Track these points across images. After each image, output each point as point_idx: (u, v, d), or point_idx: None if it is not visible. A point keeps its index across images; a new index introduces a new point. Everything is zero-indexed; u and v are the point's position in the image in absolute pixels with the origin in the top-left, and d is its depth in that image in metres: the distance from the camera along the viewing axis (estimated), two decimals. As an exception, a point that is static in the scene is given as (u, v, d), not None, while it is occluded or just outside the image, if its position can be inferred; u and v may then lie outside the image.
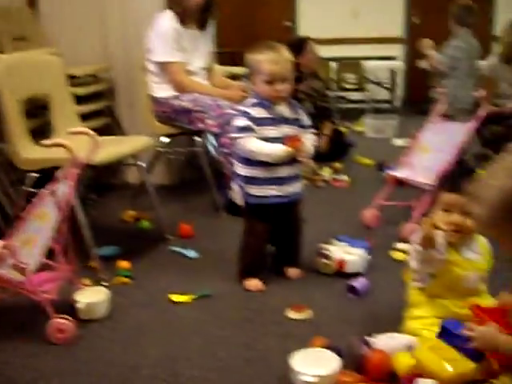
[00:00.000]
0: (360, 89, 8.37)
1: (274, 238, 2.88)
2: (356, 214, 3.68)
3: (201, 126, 3.84)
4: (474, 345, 1.79)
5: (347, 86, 8.33)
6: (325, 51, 8.05)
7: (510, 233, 1.45)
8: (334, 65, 8.33)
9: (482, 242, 2.22)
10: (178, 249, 3.28)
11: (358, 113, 7.69)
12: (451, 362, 1.87)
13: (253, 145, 2.62)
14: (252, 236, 2.80)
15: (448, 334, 1.94)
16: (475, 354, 1.85)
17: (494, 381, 1.82)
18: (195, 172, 4.37)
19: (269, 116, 2.65)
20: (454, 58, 4.97)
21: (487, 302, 2.18)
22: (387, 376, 2.02)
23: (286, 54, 2.67)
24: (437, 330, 2.07)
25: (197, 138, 3.97)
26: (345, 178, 4.75)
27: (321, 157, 5.12)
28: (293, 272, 2.90)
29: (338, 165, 5.12)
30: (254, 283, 2.78)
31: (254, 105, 2.68)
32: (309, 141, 2.73)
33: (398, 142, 6.04)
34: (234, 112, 3.35)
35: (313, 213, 3.87)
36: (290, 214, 2.84)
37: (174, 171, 4.68)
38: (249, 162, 2.69)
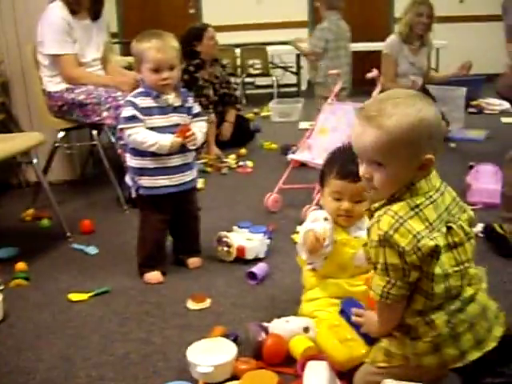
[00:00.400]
0: (266, 74, 8.37)
1: (172, 228, 2.83)
2: (259, 200, 3.67)
3: (96, 118, 3.74)
4: (362, 330, 1.79)
5: (253, 72, 8.31)
6: (230, 38, 8.07)
7: (400, 158, 1.48)
8: (238, 51, 8.29)
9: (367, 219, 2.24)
10: (78, 246, 3.19)
11: (265, 98, 7.72)
12: (346, 344, 1.87)
13: (140, 135, 2.56)
14: (147, 228, 2.74)
15: (346, 314, 1.95)
16: (369, 337, 1.84)
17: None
18: (98, 166, 4.27)
19: (156, 105, 2.60)
20: (324, 40, 5.21)
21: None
22: (284, 360, 2.02)
23: (171, 41, 2.62)
24: (332, 310, 2.09)
25: (94, 132, 3.87)
26: (249, 163, 4.74)
27: (225, 143, 5.13)
28: (193, 261, 2.87)
29: (242, 151, 5.12)
30: (153, 276, 2.73)
31: (139, 94, 2.62)
32: (199, 129, 2.69)
33: (304, 125, 6.08)
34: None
35: (216, 200, 3.88)
36: (185, 203, 2.80)
37: (76, 166, 4.56)
38: (138, 152, 2.62)
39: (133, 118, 2.57)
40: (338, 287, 2.13)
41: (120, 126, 2.64)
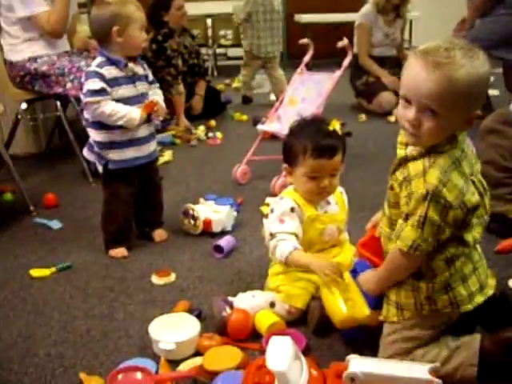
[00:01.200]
0: (238, 45, 8.23)
1: (137, 201, 2.74)
2: (228, 172, 3.61)
3: (59, 90, 3.62)
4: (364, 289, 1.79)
5: (224, 43, 8.18)
6: (201, 8, 7.92)
7: (456, 110, 1.48)
8: (210, 21, 8.15)
9: (337, 194, 2.19)
10: (41, 220, 3.10)
11: (237, 69, 7.59)
12: (348, 303, 1.81)
13: (108, 108, 2.45)
14: (117, 203, 2.65)
15: (356, 274, 1.88)
16: (372, 300, 1.82)
17: None
18: (64, 139, 4.17)
19: (122, 75, 2.50)
20: (245, 12, 5.54)
21: (349, 251, 2.17)
22: (249, 335, 1.97)
23: (136, 3, 2.54)
24: (299, 285, 2.05)
25: (58, 103, 3.76)
26: (219, 135, 4.67)
27: (195, 115, 5.05)
28: (159, 234, 2.81)
29: (212, 122, 5.04)
30: (119, 251, 2.66)
31: (105, 64, 2.49)
32: (159, 98, 2.63)
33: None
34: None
35: (183, 172, 3.82)
36: (150, 174, 2.73)
37: (41, 139, 4.45)
38: (105, 126, 2.52)
39: (101, 91, 2.45)
40: (305, 261, 2.08)
41: (87, 100, 2.48)
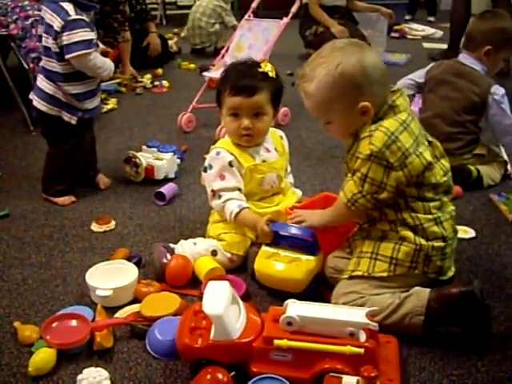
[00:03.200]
0: (188, -7, 8.06)
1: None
2: (173, 120, 3.54)
3: (2, 30, 3.47)
4: (306, 224, 1.82)
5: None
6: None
7: (338, 113, 1.67)
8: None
9: (276, 139, 2.16)
10: (-21, 169, 3.00)
11: (186, 19, 7.42)
12: (293, 264, 1.83)
13: (99, 61, 2.41)
14: (81, 152, 2.59)
15: (278, 237, 1.87)
16: (311, 246, 1.83)
17: None
18: (2, 86, 4.00)
19: (89, 19, 2.39)
20: None
21: (292, 198, 2.16)
22: (188, 282, 1.95)
23: None
24: (239, 232, 2.03)
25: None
26: (165, 83, 4.57)
27: (143, 63, 4.92)
28: (103, 181, 2.75)
29: (159, 70, 4.93)
30: (67, 198, 2.59)
31: (80, 11, 2.35)
32: None
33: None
34: (39, 13, 2.95)
35: (128, 120, 3.74)
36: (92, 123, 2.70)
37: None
38: (82, 77, 2.43)
39: (92, 41, 2.37)
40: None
41: (83, 52, 2.33)
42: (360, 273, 1.70)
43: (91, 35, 2.35)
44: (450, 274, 1.76)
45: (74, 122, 2.48)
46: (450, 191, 1.77)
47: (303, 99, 1.71)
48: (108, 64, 2.45)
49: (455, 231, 1.76)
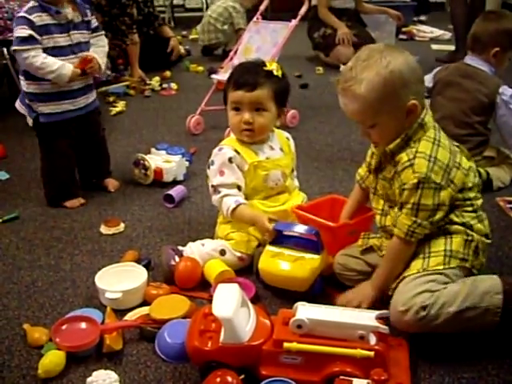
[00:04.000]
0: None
1: (80, 154, 2.65)
2: (181, 122, 3.55)
3: (9, 35, 3.47)
4: (366, 304, 1.72)
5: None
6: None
7: (387, 113, 1.63)
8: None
9: (282, 139, 2.17)
10: (-12, 171, 3.01)
11: (195, 21, 7.43)
12: (298, 262, 1.84)
13: (38, 60, 2.32)
14: (56, 157, 2.56)
15: (282, 236, 1.89)
16: (315, 244, 1.84)
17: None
18: (12, 87, 4.01)
19: (55, 22, 2.36)
20: None
21: (298, 197, 2.17)
22: (198, 284, 1.95)
23: None
24: (248, 231, 2.04)
25: (4, 49, 3.62)
26: (174, 86, 4.58)
27: (151, 66, 4.93)
28: (112, 183, 2.75)
29: (167, 73, 4.94)
30: (75, 201, 2.60)
31: (34, 10, 2.34)
32: (101, 50, 2.52)
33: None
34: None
35: (137, 123, 3.75)
36: (90, 126, 2.63)
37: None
38: (36, 76, 2.40)
39: (29, 39, 2.31)
40: (253, 208, 2.05)
41: (15, 47, 2.35)
42: (414, 271, 1.66)
43: (26, 32, 2.30)
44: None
45: (30, 123, 2.50)
46: (480, 191, 1.79)
47: (346, 104, 1.67)
48: (54, 68, 2.34)
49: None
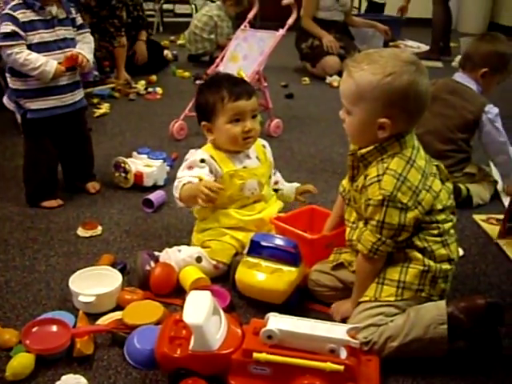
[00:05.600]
0: (186, 1, 8.05)
1: (64, 153, 2.64)
2: (165, 127, 3.54)
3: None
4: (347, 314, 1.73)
5: (173, -2, 7.99)
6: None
7: (361, 111, 1.61)
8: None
9: (258, 147, 2.17)
10: (-34, 170, 2.98)
11: (183, 27, 7.43)
12: (275, 274, 1.82)
13: (22, 57, 2.32)
14: (40, 154, 2.55)
15: (260, 247, 1.87)
16: (293, 257, 1.83)
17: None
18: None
19: (39, 18, 2.36)
20: None
21: (275, 206, 2.16)
22: (172, 290, 1.94)
23: None
24: (224, 239, 2.03)
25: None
26: (159, 90, 4.57)
27: (138, 69, 4.92)
28: (93, 185, 2.73)
29: (153, 77, 4.93)
30: (52, 202, 2.58)
31: (19, 6, 2.35)
32: (87, 47, 2.51)
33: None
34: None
35: (120, 126, 3.73)
36: (76, 124, 2.62)
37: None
38: (17, 73, 2.39)
39: (13, 35, 2.31)
40: (228, 217, 2.06)
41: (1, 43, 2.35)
42: (367, 298, 1.67)
43: (9, 28, 2.31)
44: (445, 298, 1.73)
45: (18, 120, 2.49)
46: (455, 212, 1.76)
47: (342, 80, 1.68)
48: (38, 64, 2.33)
49: (458, 254, 1.76)
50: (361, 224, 1.69)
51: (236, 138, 2.03)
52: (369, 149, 1.64)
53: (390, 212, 1.58)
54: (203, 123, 2.09)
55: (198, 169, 2.00)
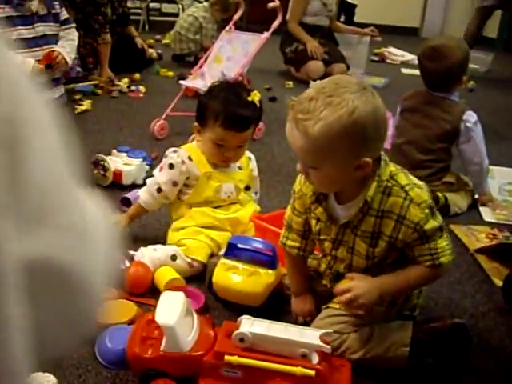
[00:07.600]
0: (173, 1, 8.03)
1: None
2: (146, 126, 3.51)
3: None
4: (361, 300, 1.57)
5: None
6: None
7: (333, 163, 1.42)
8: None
9: (245, 159, 2.18)
10: None
11: (169, 26, 7.41)
12: (252, 277, 1.82)
13: None
14: None
15: (237, 249, 1.87)
16: (270, 259, 1.83)
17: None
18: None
19: (17, 14, 2.33)
20: None
21: (250, 208, 2.17)
22: (147, 290, 1.92)
23: None
24: (199, 238, 2.03)
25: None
26: (142, 88, 4.55)
27: (120, 67, 4.89)
28: None
29: (136, 75, 4.91)
30: None
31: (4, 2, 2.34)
32: (68, 47, 2.49)
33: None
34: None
35: (100, 123, 3.70)
36: None
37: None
38: None
39: None
40: (204, 216, 2.06)
41: None
42: (336, 306, 1.64)
43: None
44: (418, 310, 1.71)
45: None
46: None
47: (292, 136, 1.42)
48: None
49: None
50: (415, 249, 1.53)
51: (214, 157, 2.05)
52: (372, 195, 1.49)
53: (435, 215, 1.51)
54: (196, 123, 2.08)
55: (164, 173, 2.06)
